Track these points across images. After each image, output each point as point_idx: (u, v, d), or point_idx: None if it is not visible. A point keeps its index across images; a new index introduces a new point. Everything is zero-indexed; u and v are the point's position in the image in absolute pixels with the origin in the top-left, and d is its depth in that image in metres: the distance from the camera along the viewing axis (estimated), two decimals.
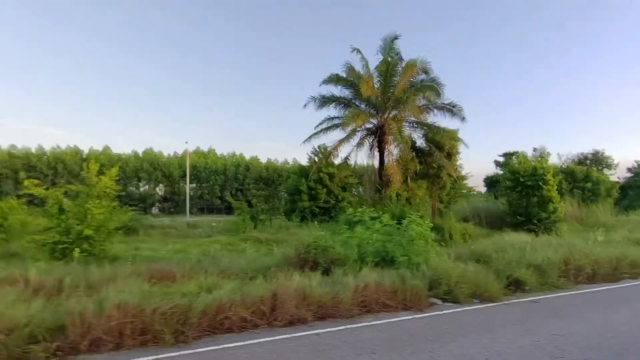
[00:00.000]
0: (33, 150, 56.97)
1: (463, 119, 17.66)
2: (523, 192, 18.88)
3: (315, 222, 23.65)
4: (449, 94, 17.74)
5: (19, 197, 14.45)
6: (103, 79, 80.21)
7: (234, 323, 5.21)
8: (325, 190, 26.66)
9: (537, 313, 6.16)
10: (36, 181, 9.87)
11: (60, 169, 55.16)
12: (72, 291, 6.26)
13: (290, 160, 68.18)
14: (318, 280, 6.56)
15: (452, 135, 18.13)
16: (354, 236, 8.63)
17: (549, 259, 8.60)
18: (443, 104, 17.61)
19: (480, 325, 5.52)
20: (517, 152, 37.29)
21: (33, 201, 11.09)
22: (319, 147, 27.46)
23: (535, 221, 18.02)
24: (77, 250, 9.16)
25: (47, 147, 54.05)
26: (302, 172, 27.90)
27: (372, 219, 9.37)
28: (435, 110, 17.96)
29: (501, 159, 39.64)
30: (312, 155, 28.75)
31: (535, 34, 75.82)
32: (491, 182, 37.97)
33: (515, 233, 15.76)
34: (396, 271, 7.39)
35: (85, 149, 59.89)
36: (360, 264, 7.90)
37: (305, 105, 18.46)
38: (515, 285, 7.60)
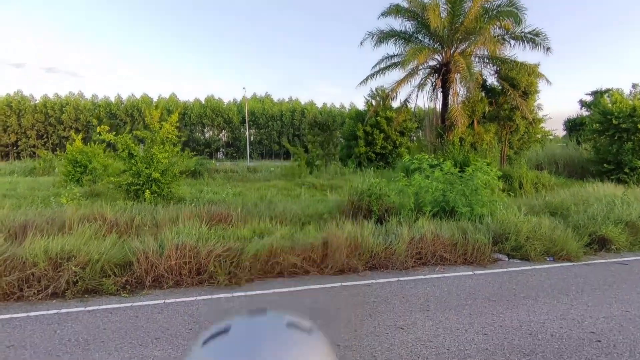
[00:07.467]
0: (112, 100, 62.33)
1: (548, 49, 14.97)
2: (615, 137, 16.18)
3: (371, 169, 23.19)
4: (528, 21, 14.87)
5: (95, 142, 15.86)
6: (168, 31, 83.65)
7: (285, 268, 5.24)
8: (382, 135, 25.67)
9: (625, 277, 5.31)
10: (107, 127, 10.54)
11: (136, 116, 60.12)
12: (140, 229, 6.82)
13: (347, 105, 66.47)
14: (371, 229, 6.31)
15: (531, 71, 15.62)
16: (412, 184, 8.09)
17: None
18: (523, 32, 15.02)
19: (553, 287, 4.89)
20: (610, 90, 31.80)
21: (114, 146, 12.18)
22: (376, 89, 26.00)
23: (628, 170, 15.58)
24: (147, 191, 9.94)
25: (124, 96, 58.57)
26: (358, 116, 26.94)
27: (432, 166, 8.65)
28: (512, 42, 15.45)
29: (589, 98, 34.13)
30: (369, 99, 27.46)
31: None
32: (573, 125, 33.31)
33: (601, 183, 13.85)
34: (457, 223, 6.85)
35: (155, 96, 63.90)
36: (416, 214, 7.46)
37: (361, 43, 16.94)
38: (600, 244, 6.61)
